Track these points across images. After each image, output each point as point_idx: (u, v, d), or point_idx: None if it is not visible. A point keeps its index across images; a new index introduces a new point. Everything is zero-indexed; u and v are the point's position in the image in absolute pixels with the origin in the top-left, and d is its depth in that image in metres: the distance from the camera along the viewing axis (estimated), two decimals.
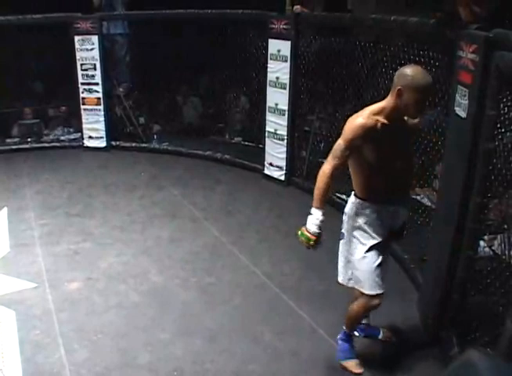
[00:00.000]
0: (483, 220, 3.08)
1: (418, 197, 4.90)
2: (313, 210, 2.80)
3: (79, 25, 6.88)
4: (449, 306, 3.21)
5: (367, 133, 2.72)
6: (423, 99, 2.70)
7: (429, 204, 4.67)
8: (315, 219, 2.79)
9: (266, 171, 6.13)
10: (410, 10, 4.43)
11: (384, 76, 4.69)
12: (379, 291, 2.95)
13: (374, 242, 2.91)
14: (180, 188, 5.95)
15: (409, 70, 2.69)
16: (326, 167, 2.80)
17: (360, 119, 2.75)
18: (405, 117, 2.85)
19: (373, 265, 2.91)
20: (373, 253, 2.90)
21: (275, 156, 5.99)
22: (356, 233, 2.94)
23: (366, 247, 2.91)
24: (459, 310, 3.17)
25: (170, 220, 5.19)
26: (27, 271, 4.27)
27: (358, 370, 3.15)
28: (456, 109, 3.11)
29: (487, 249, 3.47)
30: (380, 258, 2.92)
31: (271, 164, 6.03)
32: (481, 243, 3.32)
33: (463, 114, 3.03)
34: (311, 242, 2.79)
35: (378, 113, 2.76)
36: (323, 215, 2.79)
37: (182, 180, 6.20)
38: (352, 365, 3.17)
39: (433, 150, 4.28)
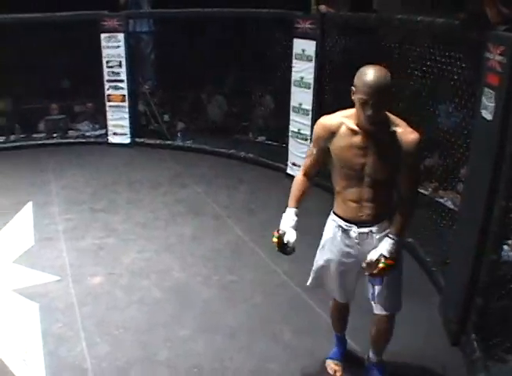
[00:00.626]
0: (507, 224, 3.04)
1: (442, 200, 4.86)
2: (287, 209, 2.74)
3: (106, 23, 6.97)
4: (472, 310, 3.18)
5: (329, 133, 2.53)
6: (365, 102, 2.33)
7: (452, 207, 4.64)
8: (285, 218, 2.72)
9: (289, 171, 6.12)
10: (436, 11, 4.39)
11: (410, 77, 4.66)
12: (311, 285, 3.02)
13: (325, 257, 2.85)
14: (203, 186, 5.98)
15: (362, 68, 2.41)
16: (301, 167, 2.79)
17: (325, 117, 2.59)
18: (398, 135, 2.44)
19: (317, 263, 2.93)
20: (323, 261, 2.88)
21: (299, 156, 5.97)
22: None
23: (320, 257, 2.91)
24: (482, 315, 3.14)
25: (193, 217, 5.23)
26: (51, 265, 4.33)
27: (332, 372, 3.13)
28: (483, 111, 3.08)
29: (511, 253, 3.43)
30: (331, 271, 2.84)
31: (294, 164, 6.02)
32: (505, 247, 3.28)
33: (489, 117, 3.00)
34: (274, 239, 2.65)
35: (348, 115, 2.52)
36: (296, 214, 2.71)
37: (205, 178, 6.22)
38: (329, 365, 3.17)
39: (458, 153, 4.23)
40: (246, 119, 7.66)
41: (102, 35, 7.01)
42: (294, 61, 5.80)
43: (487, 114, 3.02)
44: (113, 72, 7.15)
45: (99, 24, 6.97)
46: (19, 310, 3.75)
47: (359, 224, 2.64)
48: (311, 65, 5.63)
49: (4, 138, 7.48)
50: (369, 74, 2.33)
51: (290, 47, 5.85)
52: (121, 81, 7.16)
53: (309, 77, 5.67)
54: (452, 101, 4.73)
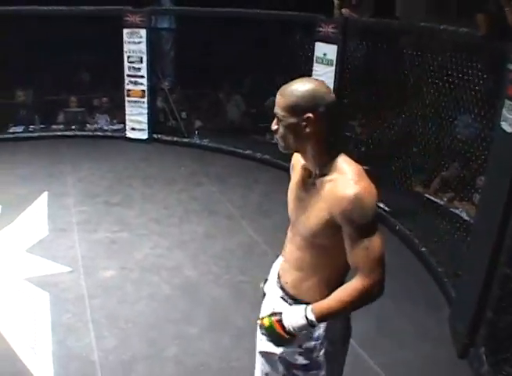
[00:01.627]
0: None
1: (457, 211, 4.84)
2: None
3: (128, 18, 7.00)
4: (482, 323, 3.16)
5: (292, 166, 2.14)
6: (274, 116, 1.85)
7: (467, 218, 4.61)
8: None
9: None
10: (462, 19, 4.36)
11: (430, 86, 4.64)
12: None
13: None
14: (218, 185, 5.99)
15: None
16: None
17: None
18: (331, 188, 1.78)
19: None
20: None
21: None
22: None
23: None
24: (492, 328, 3.11)
25: (206, 216, 5.24)
26: (64, 255, 4.37)
27: None
28: (502, 123, 3.06)
29: None
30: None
31: None
32: None
33: (509, 129, 2.98)
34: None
35: None
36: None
37: (220, 177, 6.24)
38: None
39: (475, 164, 4.21)
40: (263, 120, 7.66)
41: (125, 30, 7.05)
42: (315, 65, 5.80)
43: (506, 126, 3.00)
44: (133, 67, 7.19)
45: (122, 20, 7.01)
46: (30, 299, 3.79)
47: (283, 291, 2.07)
48: (332, 69, 5.62)
49: (23, 127, 7.55)
50: (291, 83, 1.80)
51: (311, 50, 5.84)
52: (141, 76, 7.19)
53: (329, 82, 5.65)
54: (472, 111, 4.71)
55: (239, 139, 7.26)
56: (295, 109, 1.75)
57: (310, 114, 1.74)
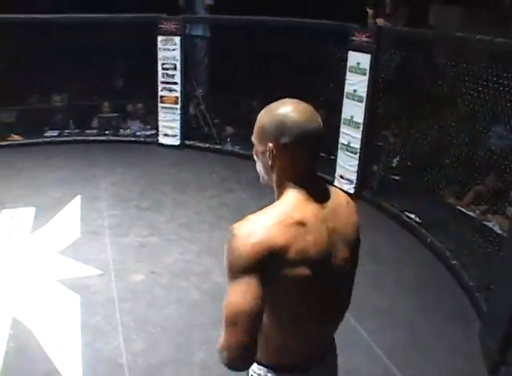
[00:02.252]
0: None
1: (489, 224, 4.76)
2: None
3: (163, 26, 7.09)
4: None
5: None
6: None
7: (500, 231, 4.53)
8: None
9: (336, 183, 6.07)
10: (498, 29, 4.30)
11: (464, 96, 4.59)
12: None
13: None
14: (249, 192, 5.97)
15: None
16: None
17: None
18: None
19: None
20: None
21: (347, 168, 5.93)
22: None
23: None
24: None
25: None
26: (95, 258, 4.44)
27: None
28: None
29: None
30: None
31: (341, 177, 5.98)
32: None
33: None
34: None
35: None
36: None
37: (252, 184, 6.21)
38: None
39: (509, 176, 4.15)
40: None
41: (159, 38, 7.14)
42: (348, 74, 5.76)
43: None
44: (167, 74, 7.28)
45: (157, 27, 7.11)
46: (62, 300, 3.86)
47: None
48: (365, 78, 5.58)
49: (58, 132, 7.70)
50: (271, 105, 1.64)
51: (344, 59, 5.82)
52: (175, 83, 7.27)
53: (362, 91, 5.63)
54: (508, 123, 4.64)
55: None
56: (261, 136, 1.59)
57: (270, 144, 1.55)
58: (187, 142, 7.49)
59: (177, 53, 7.16)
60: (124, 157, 7.05)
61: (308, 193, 1.58)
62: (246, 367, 1.55)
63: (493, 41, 4.01)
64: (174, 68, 7.22)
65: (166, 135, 7.48)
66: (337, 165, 6.08)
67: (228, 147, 7.42)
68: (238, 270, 1.47)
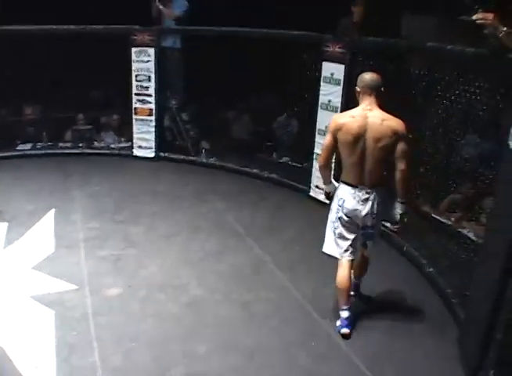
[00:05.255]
0: None
1: (464, 231, 4.81)
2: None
3: (137, 37, 7.07)
4: (491, 346, 3.12)
5: None
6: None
7: (475, 238, 4.58)
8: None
9: (312, 193, 6.10)
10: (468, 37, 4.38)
11: (438, 105, 4.65)
12: (329, 252, 3.76)
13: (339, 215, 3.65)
14: (225, 203, 5.97)
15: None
16: None
17: None
18: None
19: (332, 230, 3.71)
20: (337, 223, 3.67)
21: None
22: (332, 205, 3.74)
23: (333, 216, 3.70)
24: (501, 351, 3.07)
25: (213, 234, 5.21)
26: (70, 273, 4.36)
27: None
28: (510, 143, 3.05)
29: None
30: (342, 229, 3.66)
31: (317, 187, 5.99)
32: None
33: None
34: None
35: None
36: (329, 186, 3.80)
37: (227, 196, 6.22)
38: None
39: (483, 183, 4.20)
40: (270, 139, 7.68)
41: (133, 49, 7.11)
42: (322, 84, 5.81)
43: None
44: (141, 86, 7.24)
45: (130, 38, 7.08)
46: (36, 317, 3.78)
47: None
48: (339, 88, 5.63)
49: (31, 145, 7.59)
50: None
51: (319, 70, 5.86)
52: (149, 95, 7.23)
53: (337, 101, 5.67)
54: (480, 131, 4.71)
55: (246, 157, 7.26)
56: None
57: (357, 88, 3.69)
58: (162, 154, 7.44)
59: (151, 65, 7.14)
60: (99, 170, 6.97)
61: (364, 109, 3.54)
62: (323, 166, 3.73)
63: (464, 51, 4.07)
64: (149, 80, 7.19)
65: (140, 147, 7.43)
66: (313, 175, 6.09)
67: (203, 159, 7.39)
68: (328, 130, 3.62)
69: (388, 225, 4.98)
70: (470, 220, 4.88)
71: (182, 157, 7.45)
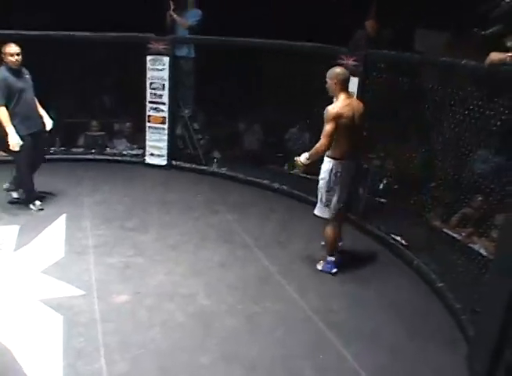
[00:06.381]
0: None
1: (475, 246, 4.78)
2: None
3: (152, 45, 7.12)
4: (501, 363, 3.08)
5: None
6: None
7: (486, 254, 4.55)
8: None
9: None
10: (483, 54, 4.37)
11: (451, 120, 4.63)
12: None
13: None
14: (235, 214, 5.96)
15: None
16: None
17: None
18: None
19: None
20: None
21: None
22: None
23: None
24: (510, 368, 3.04)
25: (222, 244, 5.21)
26: (79, 278, 4.38)
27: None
28: None
29: None
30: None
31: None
32: None
33: None
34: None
35: None
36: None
37: (237, 206, 6.20)
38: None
39: (495, 199, 4.17)
40: (281, 150, 7.68)
41: (148, 57, 7.16)
42: None
43: None
44: (155, 94, 7.28)
45: (146, 47, 7.13)
46: (44, 321, 3.80)
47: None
48: None
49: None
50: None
51: None
52: (163, 103, 7.28)
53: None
54: (492, 146, 4.69)
55: (256, 168, 7.26)
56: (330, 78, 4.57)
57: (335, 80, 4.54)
58: (174, 163, 7.47)
59: (165, 73, 7.18)
60: (110, 176, 6.99)
61: (348, 98, 4.47)
62: (326, 150, 4.40)
63: (477, 66, 4.07)
64: (163, 88, 7.23)
65: (152, 154, 7.46)
66: None
67: (215, 169, 7.40)
68: (329, 119, 4.30)
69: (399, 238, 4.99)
70: (482, 236, 4.84)
71: (193, 165, 7.46)
